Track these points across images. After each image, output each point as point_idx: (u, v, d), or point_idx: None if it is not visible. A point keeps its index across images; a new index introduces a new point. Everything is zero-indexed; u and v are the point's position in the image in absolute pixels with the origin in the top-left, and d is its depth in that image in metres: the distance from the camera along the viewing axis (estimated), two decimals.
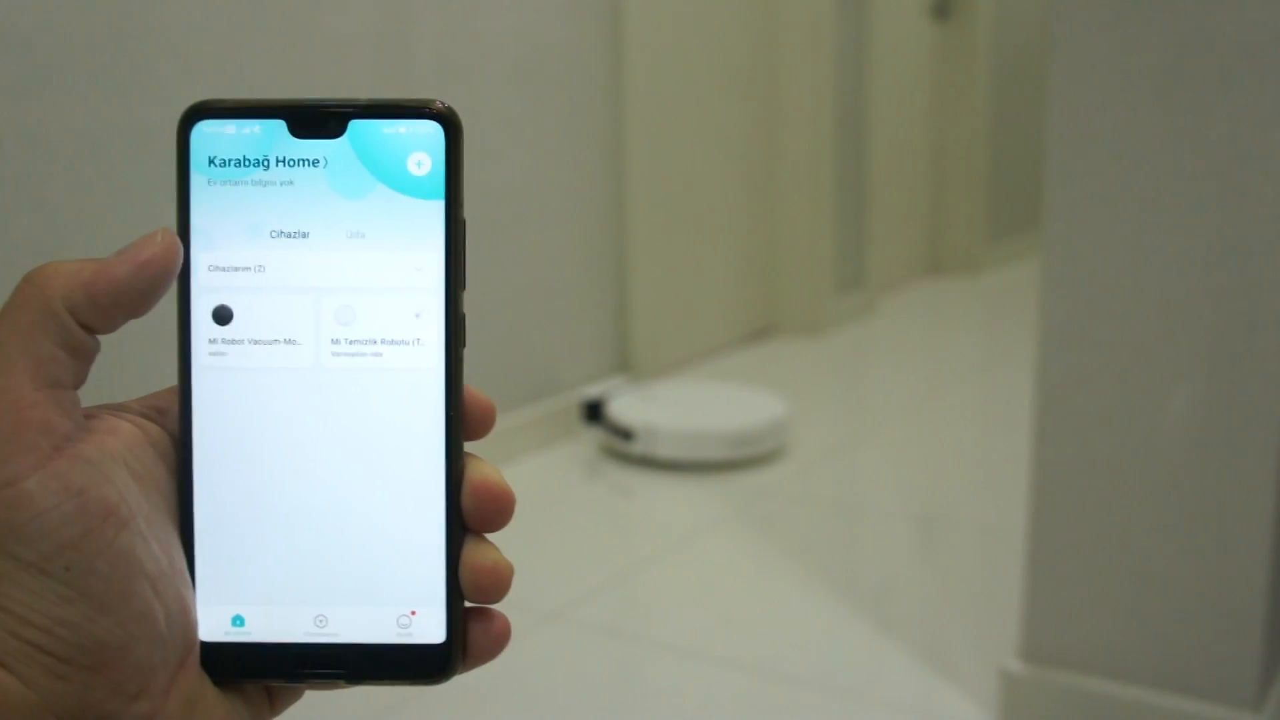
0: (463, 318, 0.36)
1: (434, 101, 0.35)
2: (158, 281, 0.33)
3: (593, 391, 2.65)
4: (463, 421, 0.36)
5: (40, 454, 0.31)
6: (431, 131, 0.35)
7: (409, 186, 0.35)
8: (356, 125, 0.35)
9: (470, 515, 0.36)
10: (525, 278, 2.58)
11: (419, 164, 0.35)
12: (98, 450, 0.32)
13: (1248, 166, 1.23)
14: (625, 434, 2.47)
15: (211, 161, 0.35)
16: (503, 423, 2.49)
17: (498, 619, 0.37)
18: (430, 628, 0.36)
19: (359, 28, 2.13)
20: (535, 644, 1.73)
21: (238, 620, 0.35)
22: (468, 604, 0.36)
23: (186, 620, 0.34)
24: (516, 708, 1.58)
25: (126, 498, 0.32)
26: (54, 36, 1.66)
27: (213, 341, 0.35)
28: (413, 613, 0.36)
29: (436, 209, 0.35)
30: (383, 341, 0.35)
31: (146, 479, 0.34)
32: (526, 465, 2.50)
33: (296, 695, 0.38)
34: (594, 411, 2.59)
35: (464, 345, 0.36)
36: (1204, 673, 1.34)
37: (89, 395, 0.35)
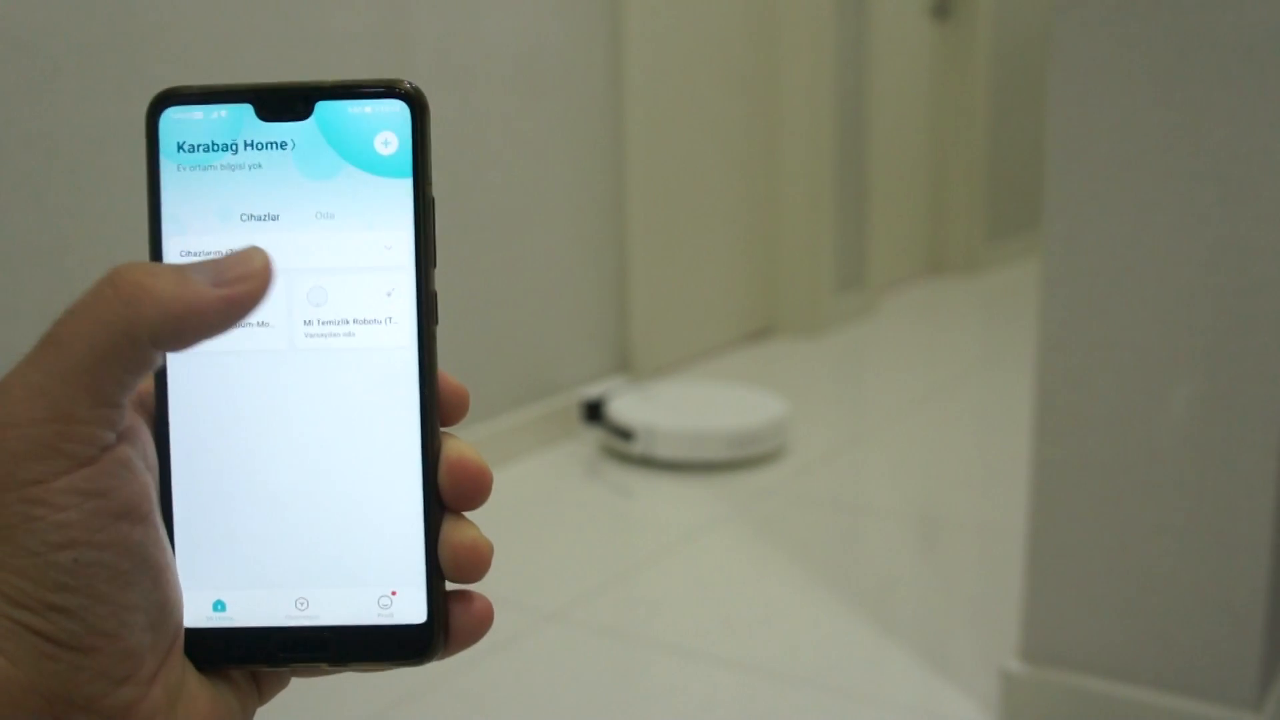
0: (434, 295, 0.36)
1: (400, 81, 0.35)
2: (246, 313, 0.32)
3: (593, 391, 2.65)
4: (438, 400, 0.36)
5: (79, 460, 0.30)
6: (398, 110, 0.35)
7: (376, 166, 0.35)
8: (323, 107, 0.35)
9: (448, 494, 0.36)
10: (525, 278, 2.58)
11: (386, 143, 0.35)
12: (129, 450, 0.32)
13: (1248, 166, 1.23)
14: (625, 434, 2.47)
15: (180, 147, 0.35)
16: (503, 423, 2.50)
17: (478, 600, 0.36)
18: (411, 608, 0.35)
19: (359, 28, 2.13)
20: (535, 644, 1.73)
21: (218, 605, 0.35)
22: (450, 586, 0.36)
23: (178, 608, 0.34)
24: (516, 708, 1.58)
25: (149, 494, 0.32)
26: (54, 37, 1.66)
27: None
28: (393, 593, 0.35)
29: (405, 187, 0.35)
30: (355, 321, 0.35)
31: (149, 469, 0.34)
32: (526, 465, 2.50)
33: (284, 683, 0.37)
34: (594, 411, 2.59)
35: (436, 323, 0.36)
36: (1204, 673, 1.34)
37: None
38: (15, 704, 0.30)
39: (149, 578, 0.32)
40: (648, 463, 2.46)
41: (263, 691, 0.37)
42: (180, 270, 0.31)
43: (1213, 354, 1.28)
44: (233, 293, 0.32)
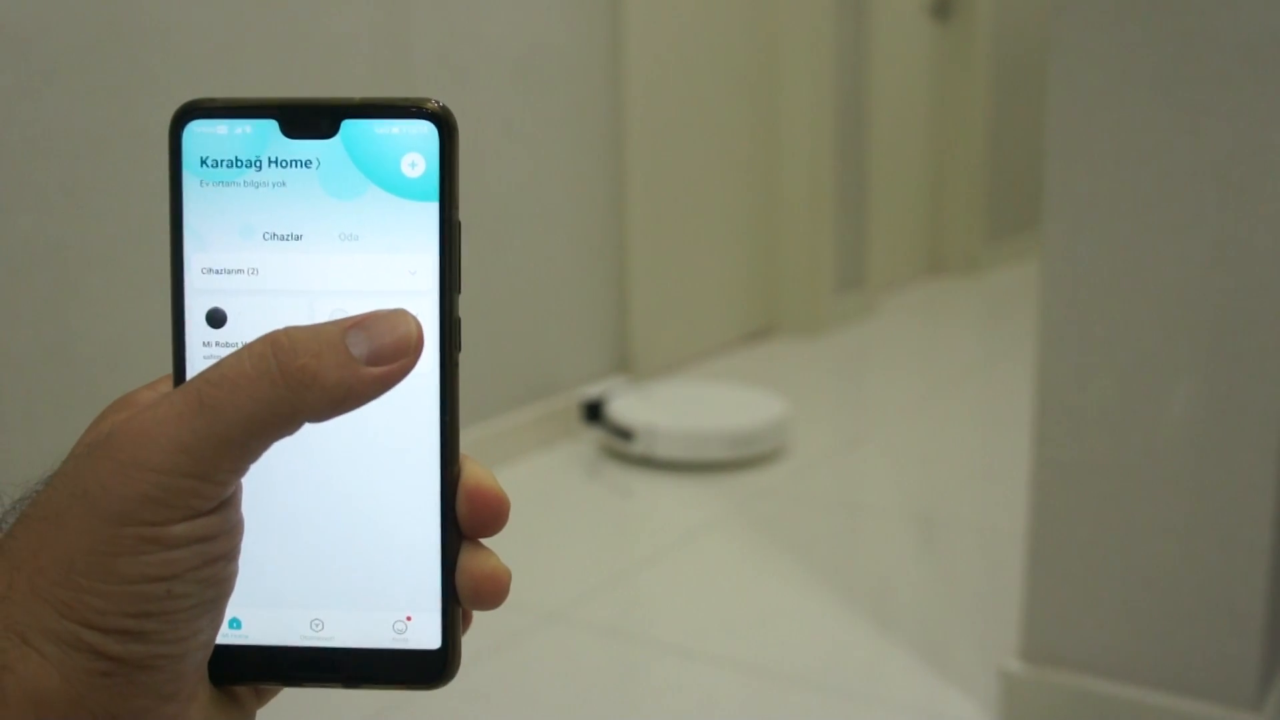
0: (458, 322, 0.35)
1: (429, 101, 0.34)
2: (394, 386, 0.33)
3: (593, 391, 2.65)
4: (458, 427, 0.36)
5: (198, 511, 0.31)
6: (425, 132, 0.34)
7: (402, 188, 0.34)
8: (349, 125, 0.34)
9: (465, 521, 0.36)
10: (525, 278, 2.58)
11: (413, 165, 0.34)
12: (239, 497, 0.33)
13: (1248, 166, 1.23)
14: (625, 434, 2.47)
15: (204, 162, 0.35)
16: (503, 423, 2.50)
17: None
18: (426, 633, 0.36)
19: (359, 28, 2.13)
20: (535, 644, 1.73)
21: (234, 623, 0.35)
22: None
23: (219, 629, 0.34)
24: (516, 708, 1.58)
25: (243, 533, 0.33)
26: (54, 37, 1.66)
27: (206, 345, 0.35)
28: (408, 618, 0.36)
29: (430, 211, 0.34)
30: None
31: None
32: (526, 465, 2.50)
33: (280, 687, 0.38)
34: (594, 411, 2.59)
35: (459, 349, 0.35)
36: (1204, 673, 1.34)
37: (92, 399, 0.34)
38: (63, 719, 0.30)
39: (221, 604, 0.33)
40: (648, 463, 2.46)
41: (261, 693, 0.37)
42: (341, 348, 0.31)
43: (1213, 354, 1.28)
44: (389, 371, 0.32)
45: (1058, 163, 1.33)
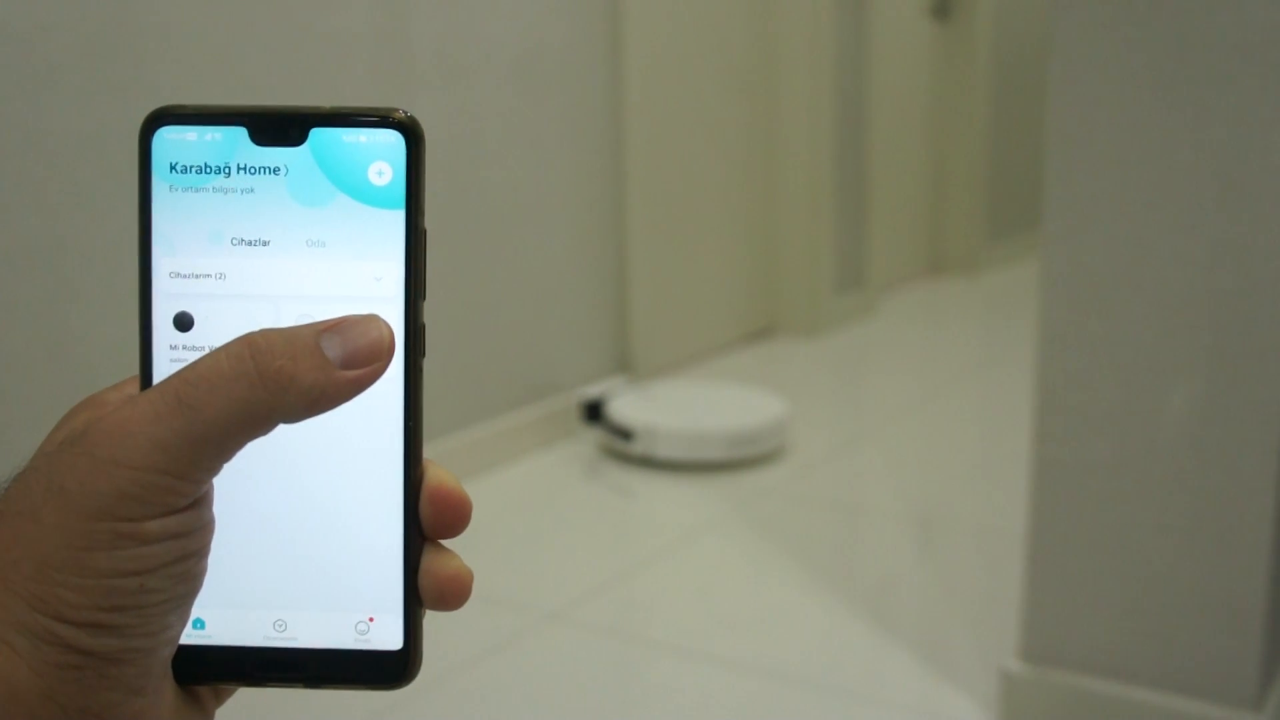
0: (422, 328, 0.36)
1: (396, 110, 0.35)
2: (365, 389, 0.34)
3: (593, 391, 2.65)
4: (421, 431, 0.36)
5: (173, 508, 0.32)
6: (393, 141, 0.35)
7: (369, 196, 0.35)
8: (317, 134, 0.35)
9: (428, 522, 0.36)
10: (525, 278, 2.58)
11: (380, 173, 0.35)
12: (210, 495, 0.33)
13: (1248, 166, 1.23)
14: (625, 434, 2.47)
15: (173, 168, 0.35)
16: (503, 423, 2.50)
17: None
18: (388, 634, 0.36)
19: (359, 27, 2.13)
20: (535, 644, 1.73)
21: (198, 623, 0.36)
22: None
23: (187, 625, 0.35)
24: (516, 708, 1.58)
25: (214, 529, 0.34)
26: (54, 36, 1.66)
27: (174, 348, 0.35)
28: (371, 619, 0.36)
29: (397, 219, 0.35)
30: None
31: None
32: (526, 465, 2.50)
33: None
34: (594, 411, 2.59)
35: (424, 355, 0.36)
36: (1204, 673, 1.34)
37: (60, 399, 0.35)
38: (32, 713, 0.31)
39: (190, 601, 0.33)
40: (648, 463, 2.46)
41: (219, 692, 0.38)
42: (317, 351, 0.32)
43: (1213, 354, 1.28)
44: (362, 375, 0.33)
45: (1058, 163, 1.33)
